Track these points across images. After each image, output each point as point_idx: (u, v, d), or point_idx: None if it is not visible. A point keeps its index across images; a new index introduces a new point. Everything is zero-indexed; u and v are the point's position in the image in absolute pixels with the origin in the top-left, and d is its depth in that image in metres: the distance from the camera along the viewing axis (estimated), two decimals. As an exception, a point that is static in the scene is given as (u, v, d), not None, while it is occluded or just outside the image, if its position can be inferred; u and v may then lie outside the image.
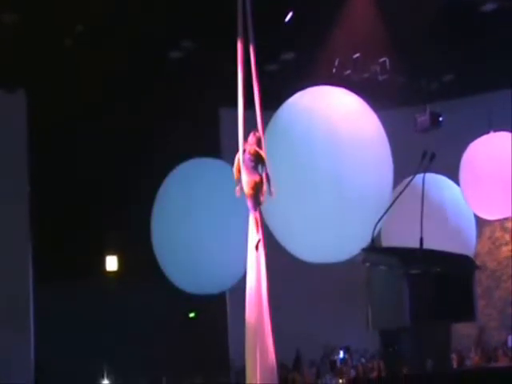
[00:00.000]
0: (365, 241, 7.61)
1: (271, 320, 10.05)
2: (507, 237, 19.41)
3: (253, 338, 9.93)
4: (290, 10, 14.75)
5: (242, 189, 10.28)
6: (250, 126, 10.59)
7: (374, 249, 7.53)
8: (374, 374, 15.60)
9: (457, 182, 16.97)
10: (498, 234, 19.55)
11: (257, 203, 10.17)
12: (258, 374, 9.85)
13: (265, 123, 11.91)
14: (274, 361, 9.97)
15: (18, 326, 17.01)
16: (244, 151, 10.28)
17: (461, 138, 17.44)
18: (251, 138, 10.30)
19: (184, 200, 14.87)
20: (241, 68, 10.38)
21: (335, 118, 13.67)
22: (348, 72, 16.83)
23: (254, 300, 9.97)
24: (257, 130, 10.45)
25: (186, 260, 14.68)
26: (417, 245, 6.97)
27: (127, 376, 16.57)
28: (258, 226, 10.12)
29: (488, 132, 17.00)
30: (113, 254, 18.95)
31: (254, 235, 10.11)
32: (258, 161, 10.29)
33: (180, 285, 15.40)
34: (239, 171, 10.33)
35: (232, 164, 10.57)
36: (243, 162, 10.24)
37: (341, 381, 15.53)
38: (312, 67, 15.86)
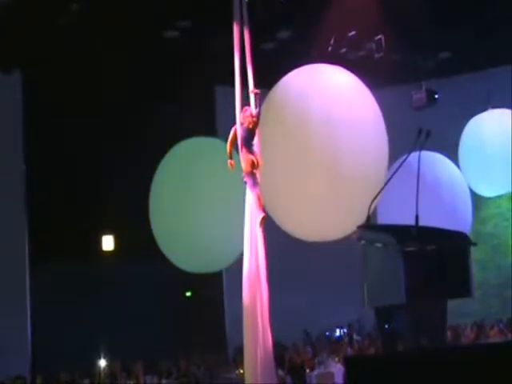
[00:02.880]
0: (360, 219, 7.62)
1: (268, 300, 10.06)
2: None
3: (251, 321, 9.92)
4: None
5: (234, 163, 10.34)
6: (247, 104, 10.56)
7: (370, 226, 7.55)
8: (371, 352, 15.66)
9: (453, 159, 16.98)
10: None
11: (256, 181, 10.15)
12: (259, 358, 9.85)
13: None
14: (271, 343, 9.98)
15: (14, 307, 17.04)
16: (241, 124, 10.22)
17: (458, 116, 17.45)
18: (249, 111, 10.23)
19: (182, 179, 14.84)
20: (237, 52, 10.33)
21: (330, 95, 13.64)
22: (344, 50, 16.80)
23: (252, 281, 9.96)
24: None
25: (185, 239, 14.66)
26: (412, 222, 6.98)
27: (124, 355, 16.62)
28: (260, 203, 10.09)
29: (486, 109, 16.99)
30: (109, 233, 18.97)
31: (255, 213, 10.08)
32: (253, 135, 10.26)
33: (179, 264, 15.38)
34: (231, 145, 10.34)
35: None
36: (241, 139, 10.21)
37: (337, 359, 15.58)
38: (308, 45, 15.82)
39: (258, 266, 9.95)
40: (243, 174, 10.19)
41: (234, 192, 11.35)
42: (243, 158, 10.15)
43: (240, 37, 10.36)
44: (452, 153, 16.98)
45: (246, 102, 10.46)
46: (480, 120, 17.04)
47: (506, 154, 16.05)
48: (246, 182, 10.17)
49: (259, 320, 9.87)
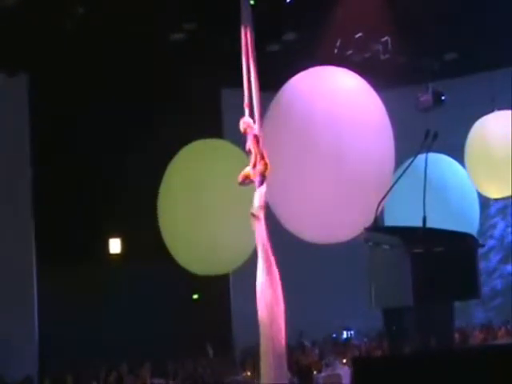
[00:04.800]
0: (367, 221, 7.62)
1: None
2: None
3: (267, 339, 9.95)
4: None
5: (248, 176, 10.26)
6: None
7: (377, 228, 7.55)
8: (378, 354, 15.64)
9: (459, 160, 16.95)
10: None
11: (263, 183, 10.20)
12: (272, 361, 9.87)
13: (266, 104, 11.87)
14: (284, 351, 10.00)
15: (21, 310, 17.08)
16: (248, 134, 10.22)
17: (464, 117, 17.42)
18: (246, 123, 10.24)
19: (190, 181, 14.80)
20: (245, 55, 10.31)
21: (337, 98, 13.62)
22: (350, 52, 16.81)
23: (267, 295, 10.02)
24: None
25: (193, 240, 14.64)
26: (419, 224, 6.98)
27: (131, 357, 16.63)
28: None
29: (492, 110, 16.96)
30: (116, 236, 18.99)
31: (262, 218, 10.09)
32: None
33: (186, 265, 15.33)
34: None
35: (235, 143, 10.58)
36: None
37: (344, 361, 15.56)
38: (313, 47, 15.82)
39: (272, 280, 10.01)
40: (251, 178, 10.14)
41: (243, 194, 11.32)
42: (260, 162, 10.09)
43: (247, 40, 10.36)
44: (458, 154, 16.95)
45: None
46: (486, 121, 16.99)
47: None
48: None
49: (276, 340, 9.89)
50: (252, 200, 10.22)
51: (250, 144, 10.21)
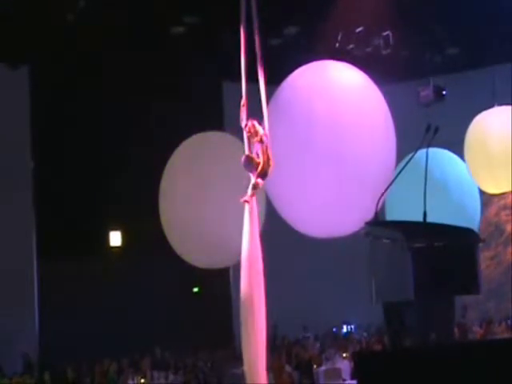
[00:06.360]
0: (368, 215, 7.62)
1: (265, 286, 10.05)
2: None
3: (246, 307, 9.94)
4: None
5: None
6: (255, 100, 10.46)
7: (378, 222, 7.55)
8: (378, 348, 15.67)
9: (460, 155, 16.95)
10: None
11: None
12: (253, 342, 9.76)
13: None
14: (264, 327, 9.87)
15: (22, 304, 17.10)
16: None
17: (464, 112, 17.41)
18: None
19: (191, 173, 14.80)
20: (243, 54, 10.25)
21: (338, 92, 13.62)
22: (351, 46, 16.80)
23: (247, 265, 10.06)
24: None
25: (194, 234, 14.64)
26: (420, 218, 6.99)
27: (131, 351, 16.67)
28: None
29: (492, 105, 16.95)
30: (117, 229, 19.01)
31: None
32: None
33: (188, 259, 15.33)
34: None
35: (236, 136, 10.50)
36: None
37: (344, 355, 15.60)
38: (315, 41, 15.82)
39: (253, 253, 10.03)
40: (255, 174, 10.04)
41: (245, 187, 11.30)
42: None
43: (247, 36, 10.27)
44: (458, 149, 16.95)
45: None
46: (485, 116, 16.98)
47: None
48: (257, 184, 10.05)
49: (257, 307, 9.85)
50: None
51: (256, 151, 9.93)
